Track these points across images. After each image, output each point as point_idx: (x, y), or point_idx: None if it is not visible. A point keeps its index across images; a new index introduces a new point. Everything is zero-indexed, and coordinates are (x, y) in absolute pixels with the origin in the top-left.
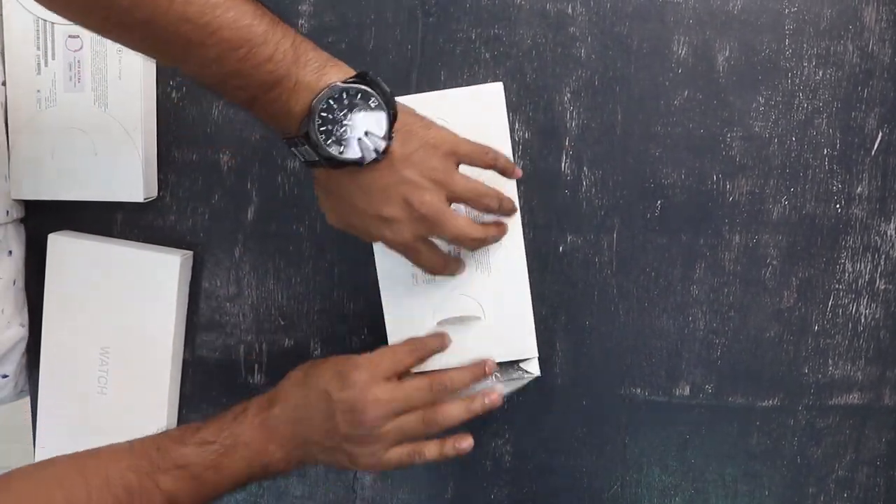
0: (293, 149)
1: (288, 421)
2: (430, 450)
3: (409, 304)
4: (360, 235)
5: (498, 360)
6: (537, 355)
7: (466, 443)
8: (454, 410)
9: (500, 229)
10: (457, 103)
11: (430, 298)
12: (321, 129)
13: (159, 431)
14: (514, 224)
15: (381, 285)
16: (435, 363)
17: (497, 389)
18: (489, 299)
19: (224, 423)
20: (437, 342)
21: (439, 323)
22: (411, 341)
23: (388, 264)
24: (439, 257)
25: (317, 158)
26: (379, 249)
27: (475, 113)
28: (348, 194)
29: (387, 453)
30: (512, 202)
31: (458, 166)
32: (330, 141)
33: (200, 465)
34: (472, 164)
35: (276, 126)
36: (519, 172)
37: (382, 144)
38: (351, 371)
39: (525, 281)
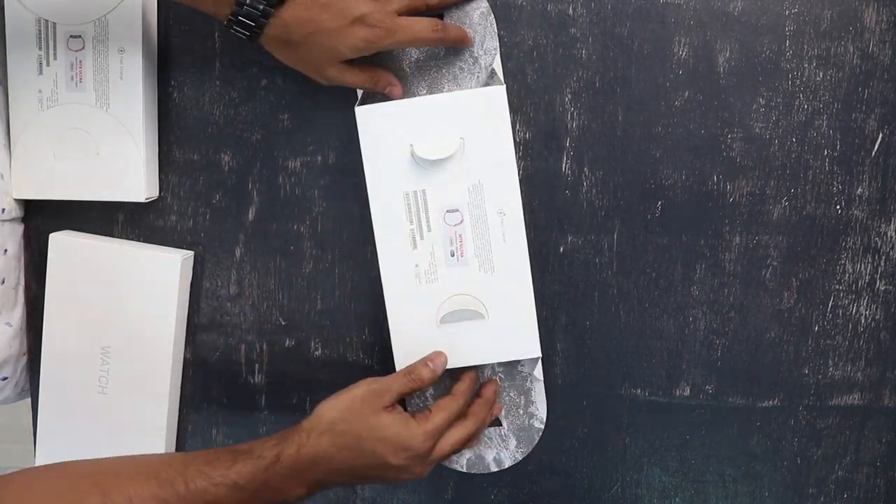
0: (235, 27)
1: (327, 473)
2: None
3: (412, 302)
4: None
5: (500, 360)
6: (540, 355)
7: (497, 409)
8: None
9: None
10: (459, 106)
11: (433, 297)
12: None
13: (185, 454)
14: (517, 224)
15: (384, 284)
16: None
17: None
18: (492, 299)
19: (257, 472)
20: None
21: (442, 319)
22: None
23: (392, 263)
24: (428, 20)
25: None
26: (382, 248)
27: (477, 116)
28: (313, 21)
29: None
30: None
31: None
32: None
33: None
34: None
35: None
36: (470, 41)
37: None
38: (398, 433)
39: (528, 280)
